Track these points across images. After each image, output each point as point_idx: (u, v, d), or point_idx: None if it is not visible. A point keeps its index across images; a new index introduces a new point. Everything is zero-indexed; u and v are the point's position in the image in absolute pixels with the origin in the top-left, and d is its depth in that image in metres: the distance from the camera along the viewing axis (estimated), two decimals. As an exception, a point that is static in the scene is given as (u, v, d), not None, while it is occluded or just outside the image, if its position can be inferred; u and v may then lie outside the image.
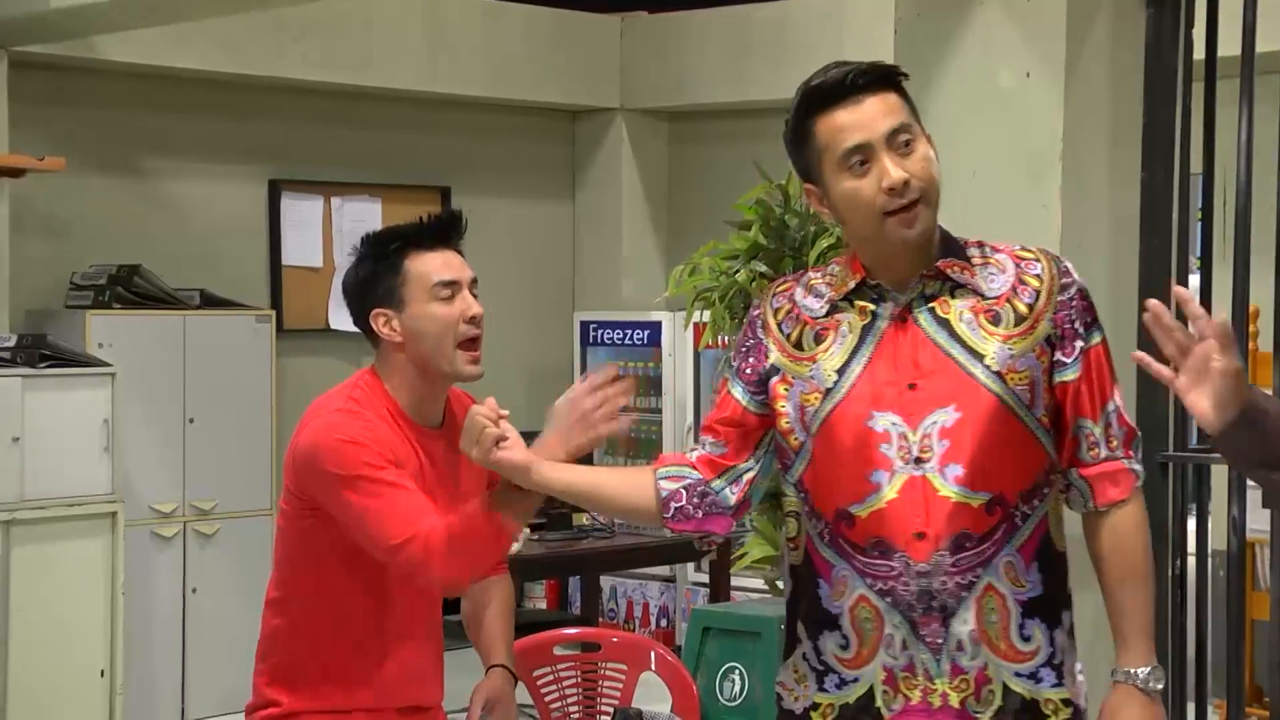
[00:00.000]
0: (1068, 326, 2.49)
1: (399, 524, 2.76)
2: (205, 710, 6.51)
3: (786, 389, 2.47)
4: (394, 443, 2.87)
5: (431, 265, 2.91)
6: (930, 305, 2.48)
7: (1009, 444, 2.44)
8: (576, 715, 3.66)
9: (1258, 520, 4.30)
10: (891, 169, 2.44)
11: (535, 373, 8.17)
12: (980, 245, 2.59)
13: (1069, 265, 2.57)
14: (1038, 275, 2.51)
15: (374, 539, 2.79)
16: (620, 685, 3.63)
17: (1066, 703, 2.51)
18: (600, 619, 7.07)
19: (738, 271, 5.77)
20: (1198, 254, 4.48)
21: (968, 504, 2.41)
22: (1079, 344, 2.50)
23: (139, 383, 6.34)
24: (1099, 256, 4.48)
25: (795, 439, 2.47)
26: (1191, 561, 4.28)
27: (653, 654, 3.62)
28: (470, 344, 2.91)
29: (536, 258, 8.34)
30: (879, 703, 2.44)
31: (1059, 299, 2.50)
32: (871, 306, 2.47)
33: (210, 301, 6.78)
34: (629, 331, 7.87)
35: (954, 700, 2.42)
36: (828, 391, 2.44)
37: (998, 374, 2.44)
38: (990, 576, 2.43)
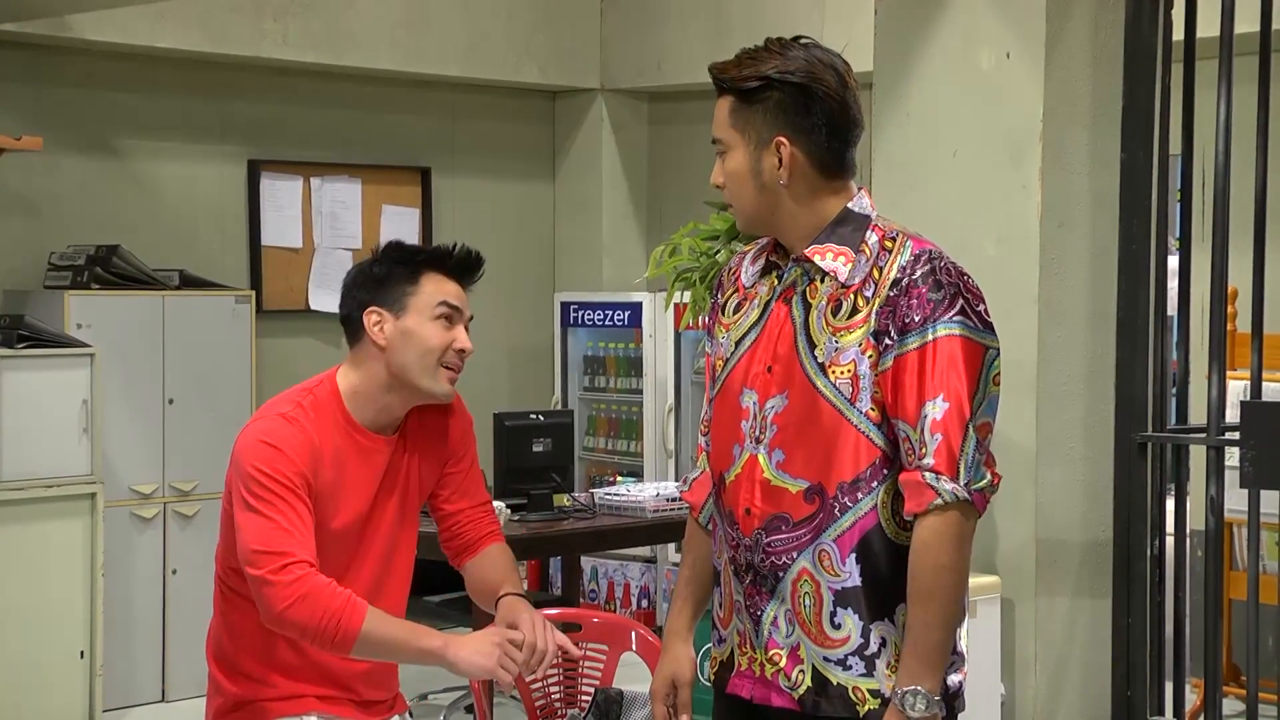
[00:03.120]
0: (888, 322, 2.44)
1: (272, 538, 2.80)
2: (185, 691, 6.50)
3: (711, 348, 2.66)
4: (327, 457, 2.91)
5: (445, 288, 3.00)
6: (805, 289, 2.53)
7: (830, 436, 2.45)
8: (557, 695, 3.66)
9: (1236, 500, 4.32)
10: None
11: (516, 353, 8.16)
12: (895, 235, 2.53)
13: (931, 256, 2.47)
14: (881, 267, 2.48)
15: (244, 541, 2.83)
16: (601, 666, 3.63)
17: (875, 693, 2.48)
18: (581, 600, 7.08)
19: (718, 252, 5.77)
20: (1177, 234, 4.49)
21: (786, 489, 2.48)
22: (897, 340, 2.44)
23: (118, 363, 6.32)
24: (1079, 237, 4.49)
25: (709, 395, 2.66)
26: (1170, 541, 4.30)
27: (634, 634, 3.63)
28: (451, 368, 3.00)
29: (516, 238, 8.33)
30: (738, 661, 2.59)
31: (890, 293, 2.45)
32: (775, 284, 2.58)
33: (189, 282, 6.76)
34: (609, 312, 7.87)
35: (768, 673, 2.52)
36: (726, 360, 2.60)
37: (822, 366, 2.47)
38: (805, 562, 2.47)
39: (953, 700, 2.52)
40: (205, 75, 7.23)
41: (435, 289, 2.98)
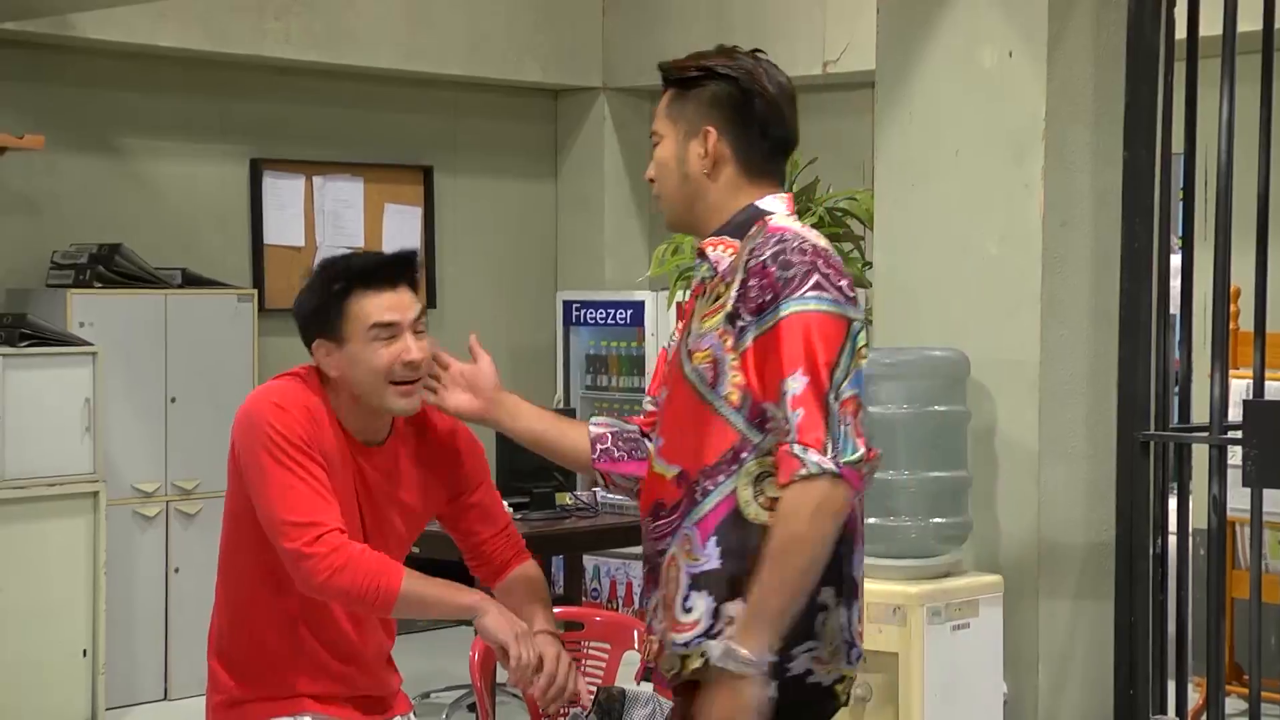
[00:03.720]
0: (740, 304, 2.44)
1: (301, 507, 2.75)
2: (188, 690, 6.50)
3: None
4: (324, 445, 2.85)
5: (373, 306, 2.86)
6: (706, 282, 2.57)
7: (693, 421, 2.49)
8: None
9: (1238, 499, 4.32)
10: None
11: (518, 353, 8.16)
12: (778, 230, 2.51)
13: (783, 238, 2.46)
14: (741, 261, 2.48)
15: (272, 510, 2.78)
16: (604, 664, 3.63)
17: (696, 659, 2.47)
18: (583, 598, 7.08)
19: (720, 251, 5.75)
20: (1179, 233, 4.49)
21: (662, 476, 2.53)
22: (753, 321, 2.44)
23: (120, 362, 6.32)
24: (1082, 235, 4.49)
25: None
26: (1172, 540, 4.30)
27: (636, 633, 3.62)
28: (405, 383, 2.88)
29: (518, 237, 8.33)
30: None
31: (739, 277, 2.46)
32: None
33: (191, 281, 6.76)
34: (612, 311, 7.86)
35: (650, 660, 2.56)
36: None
37: (689, 353, 2.52)
38: (674, 547, 2.51)
39: (798, 684, 2.45)
40: (207, 74, 7.23)
41: (363, 311, 2.86)
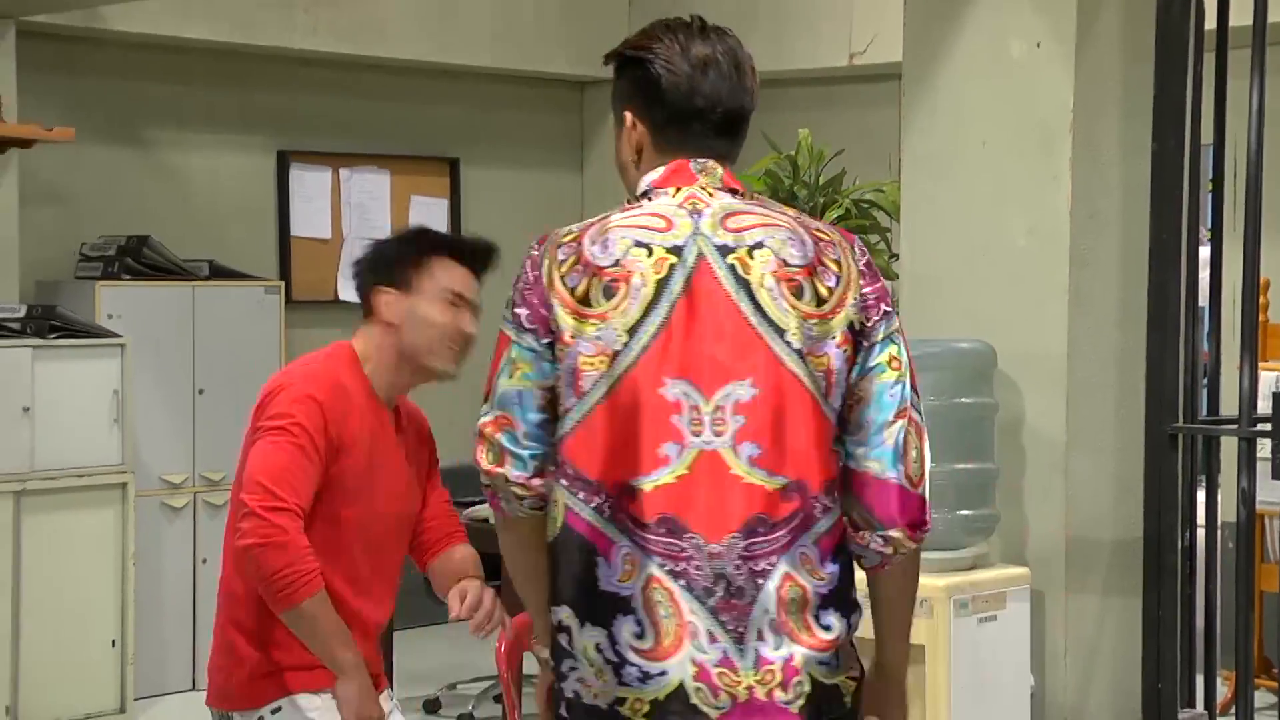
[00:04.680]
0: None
1: (277, 476, 2.92)
2: (215, 680, 6.52)
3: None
4: (351, 419, 3.04)
5: (454, 275, 3.12)
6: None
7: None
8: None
9: (1267, 492, 4.29)
10: None
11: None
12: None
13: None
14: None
15: (251, 468, 2.96)
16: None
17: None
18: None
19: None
20: (1208, 225, 4.46)
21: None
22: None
23: (148, 353, 6.34)
24: (1110, 227, 4.47)
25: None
26: (1201, 533, 4.27)
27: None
28: (456, 350, 3.14)
29: (544, 229, 8.28)
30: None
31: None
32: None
33: (219, 272, 6.77)
34: (637, 303, 7.85)
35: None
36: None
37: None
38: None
39: (573, 705, 2.31)
40: (234, 66, 7.24)
41: (445, 274, 3.10)
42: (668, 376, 2.26)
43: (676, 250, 2.31)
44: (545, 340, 2.29)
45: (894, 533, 2.32)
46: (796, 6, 7.51)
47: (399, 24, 7.46)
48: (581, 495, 2.27)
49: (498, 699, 6.08)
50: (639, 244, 2.32)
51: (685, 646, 2.24)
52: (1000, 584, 4.26)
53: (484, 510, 5.62)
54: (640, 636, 2.24)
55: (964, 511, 4.29)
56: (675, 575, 2.24)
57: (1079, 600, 4.39)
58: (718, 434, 2.26)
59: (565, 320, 2.29)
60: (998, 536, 4.42)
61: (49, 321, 5.97)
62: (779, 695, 2.26)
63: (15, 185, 6.29)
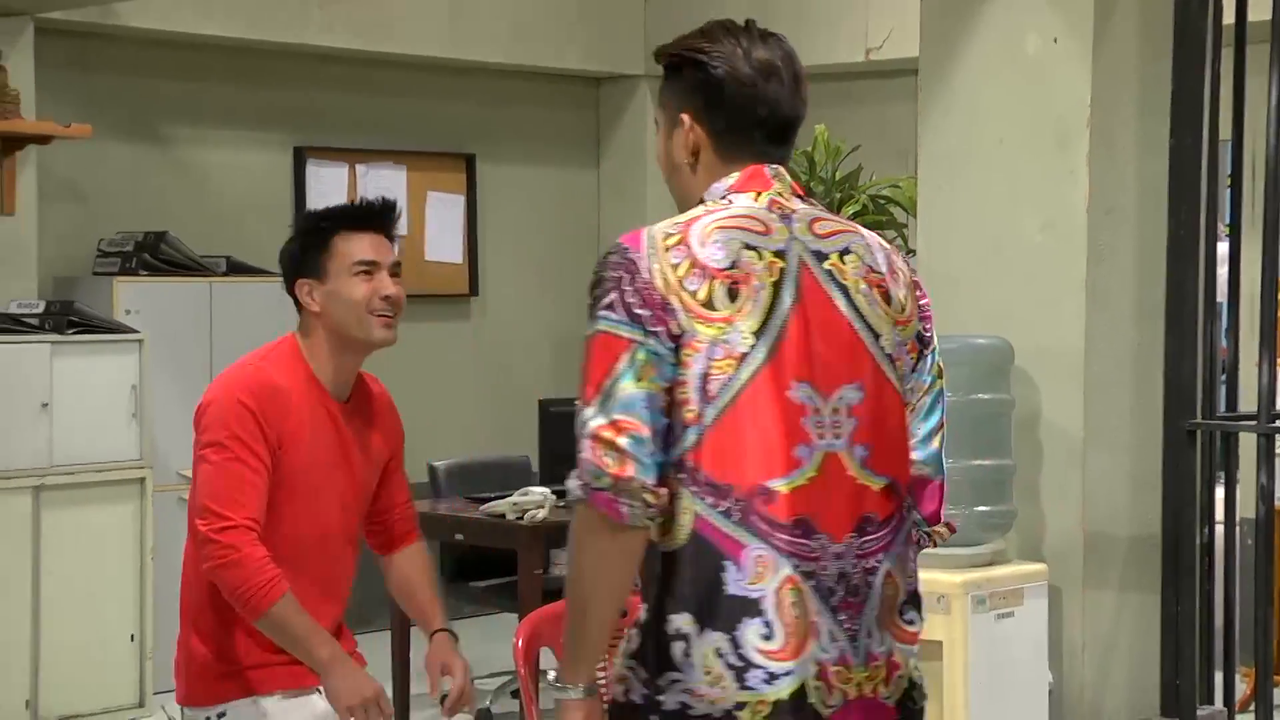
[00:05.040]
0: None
1: (222, 496, 3.02)
2: (233, 675, 6.54)
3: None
4: (289, 416, 3.07)
5: (355, 245, 3.15)
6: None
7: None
8: (603, 681, 3.66)
9: (1285, 488, 4.28)
10: None
11: (559, 340, 8.16)
12: (623, 240, 2.39)
13: (608, 250, 2.38)
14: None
15: (196, 492, 3.06)
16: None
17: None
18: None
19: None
20: (1227, 221, 4.45)
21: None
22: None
23: (166, 349, 6.35)
24: (1127, 223, 4.46)
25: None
26: (1219, 529, 4.27)
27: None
28: (383, 316, 3.14)
29: (560, 225, 8.32)
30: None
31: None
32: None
33: (236, 268, 6.78)
34: (653, 298, 7.85)
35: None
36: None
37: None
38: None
39: (679, 718, 2.30)
40: (251, 63, 7.25)
41: (347, 247, 3.14)
42: (793, 379, 2.30)
43: (780, 254, 2.34)
44: (670, 345, 2.28)
45: (940, 529, 2.46)
46: (813, 2, 7.50)
47: (414, 20, 7.47)
48: (710, 500, 2.27)
49: (515, 694, 6.09)
50: (748, 247, 2.33)
51: (810, 646, 2.28)
52: (1018, 580, 4.26)
53: (501, 506, 5.63)
54: (768, 637, 2.26)
55: (981, 507, 4.29)
56: (807, 575, 2.28)
57: (1097, 596, 4.39)
58: (837, 436, 2.31)
59: (690, 324, 2.28)
60: (1015, 532, 4.41)
61: (67, 317, 5.99)
62: (881, 691, 2.34)
63: (33, 182, 6.30)
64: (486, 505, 5.67)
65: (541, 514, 5.57)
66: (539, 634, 3.41)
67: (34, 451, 5.84)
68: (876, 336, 2.36)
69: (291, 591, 3.02)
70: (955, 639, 4.10)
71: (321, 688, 3.06)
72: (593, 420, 2.25)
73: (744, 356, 2.28)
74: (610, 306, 2.29)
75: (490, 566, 6.14)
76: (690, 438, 2.27)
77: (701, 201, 2.40)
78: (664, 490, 2.27)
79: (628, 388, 2.26)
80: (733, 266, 2.31)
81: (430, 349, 7.83)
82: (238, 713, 3.08)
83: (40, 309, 6.00)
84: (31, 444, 5.83)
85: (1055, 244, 4.44)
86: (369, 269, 3.13)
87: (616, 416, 2.25)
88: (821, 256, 2.36)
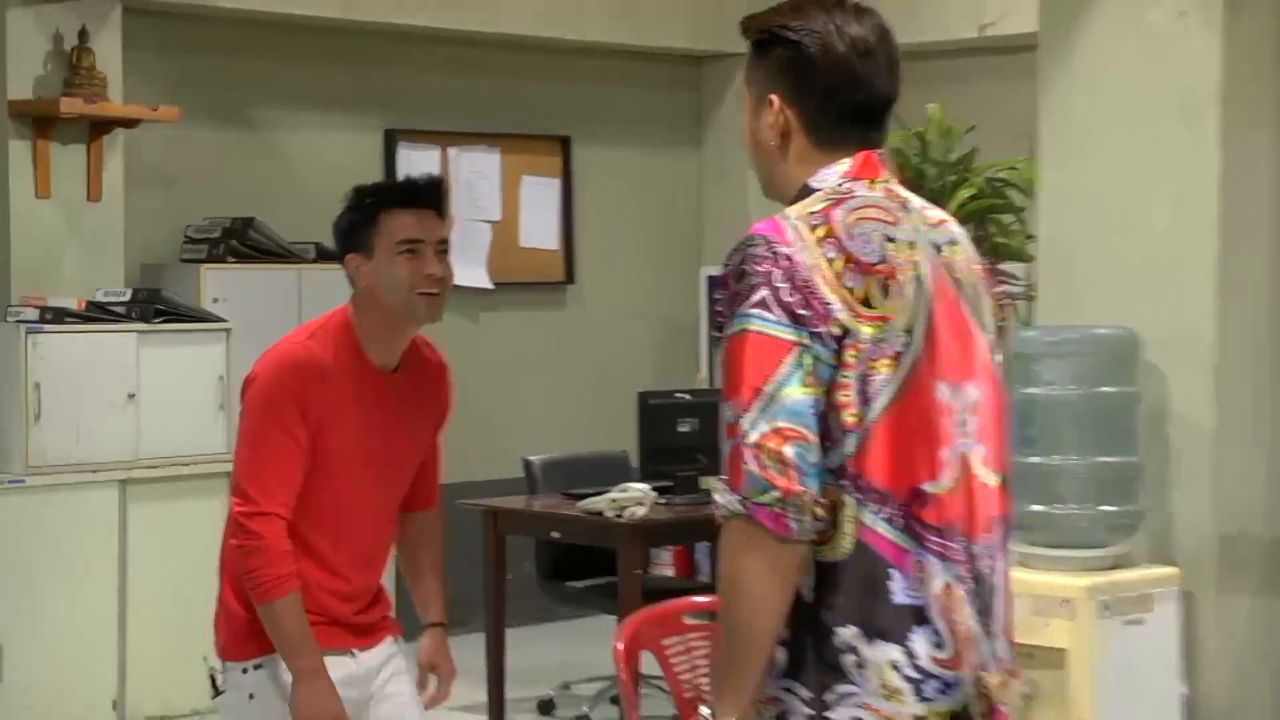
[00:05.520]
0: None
1: (260, 481, 3.16)
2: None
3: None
4: (329, 393, 3.18)
5: (400, 222, 3.25)
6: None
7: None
8: (707, 686, 3.63)
9: None
10: None
11: (660, 329, 8.13)
12: (756, 230, 2.33)
13: (748, 242, 2.30)
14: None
15: (239, 469, 3.21)
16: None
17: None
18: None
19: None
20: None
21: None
22: (717, 337, 2.42)
23: (254, 339, 6.35)
24: (1260, 203, 4.37)
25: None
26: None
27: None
28: (428, 294, 3.23)
29: (660, 210, 8.28)
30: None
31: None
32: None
33: (326, 255, 6.80)
34: (757, 286, 7.80)
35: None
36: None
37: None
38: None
39: None
40: (342, 43, 7.27)
41: (392, 226, 3.25)
42: (936, 378, 2.30)
43: (912, 245, 2.31)
44: (833, 346, 2.23)
45: None
46: (925, -25, 7.41)
47: (510, -2, 7.46)
48: (873, 507, 2.25)
49: (614, 700, 6.06)
50: (888, 239, 2.30)
51: (972, 654, 2.29)
52: (1147, 584, 4.18)
53: (599, 503, 5.60)
54: (939, 645, 2.26)
55: (1105, 507, 4.22)
56: (960, 580, 2.29)
57: (1232, 601, 4.29)
58: (965, 435, 2.32)
59: (853, 323, 2.24)
60: (1143, 534, 4.33)
61: (154, 305, 6.04)
62: (1001, 694, 2.33)
63: (120, 166, 6.36)
64: (584, 502, 5.64)
65: (641, 511, 5.54)
66: (640, 637, 3.39)
67: (120, 444, 5.89)
68: (984, 330, 2.37)
69: (320, 574, 3.19)
70: (1080, 646, 4.02)
71: (355, 651, 3.26)
72: (754, 429, 2.18)
73: (898, 356, 2.26)
74: (763, 305, 2.23)
75: (588, 566, 6.11)
76: (850, 443, 2.23)
77: (807, 191, 2.34)
78: (824, 501, 2.23)
79: (793, 393, 2.20)
80: (881, 261, 2.27)
81: (525, 339, 7.82)
82: (274, 665, 3.21)
83: (127, 297, 6.05)
84: (118, 436, 5.89)
85: (1184, 226, 4.37)
86: (413, 247, 3.22)
87: (781, 424, 2.19)
88: (938, 247, 2.34)
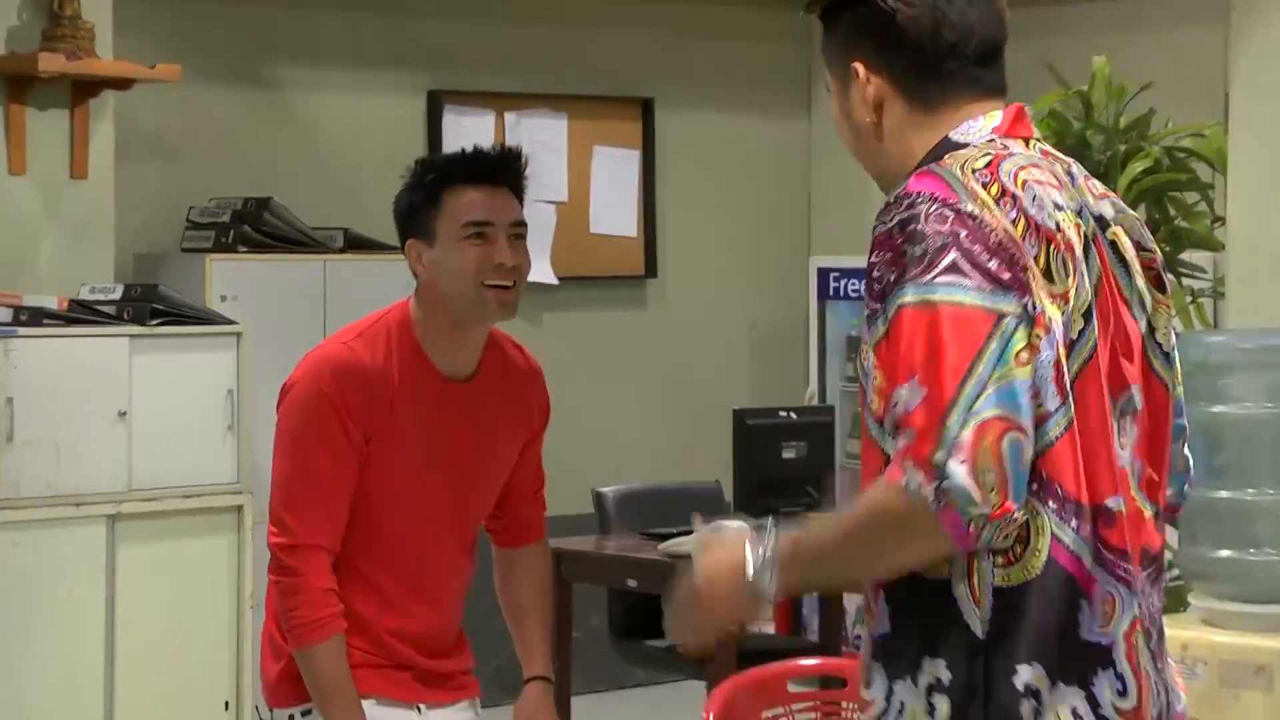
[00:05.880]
0: (867, 288, 2.39)
1: (299, 510, 3.22)
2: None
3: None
4: (377, 402, 3.22)
5: (466, 202, 3.27)
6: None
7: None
8: (816, 769, 3.62)
9: None
10: None
11: (761, 334, 8.13)
12: (916, 186, 2.36)
13: (912, 199, 2.34)
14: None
15: (276, 494, 3.27)
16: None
17: None
18: (844, 647, 7.02)
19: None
20: None
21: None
22: (870, 311, 2.38)
23: (270, 344, 6.42)
24: None
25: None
26: None
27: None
28: (500, 287, 3.26)
29: (761, 189, 8.29)
30: None
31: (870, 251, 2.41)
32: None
33: (356, 243, 6.85)
34: (880, 281, 7.79)
35: None
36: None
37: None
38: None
39: None
40: (376, -13, 7.34)
41: (458, 206, 3.26)
42: (1105, 375, 2.32)
43: (1079, 216, 2.33)
44: (1031, 322, 2.24)
45: None
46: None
47: (579, -69, 7.50)
48: (1064, 520, 2.27)
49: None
50: (1057, 205, 2.31)
51: (1150, 704, 2.32)
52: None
53: (686, 544, 5.58)
54: (1123, 694, 2.29)
55: (1292, 552, 4.21)
56: (1140, 616, 2.32)
57: None
58: (1124, 448, 2.34)
59: (1041, 297, 2.25)
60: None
61: (150, 304, 6.08)
62: None
63: (110, 136, 6.41)
64: (667, 544, 5.64)
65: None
66: (734, 707, 3.39)
67: (110, 472, 5.93)
68: (1152, 330, 2.39)
69: (380, 612, 3.26)
70: (1279, 723, 4.00)
71: (422, 707, 3.31)
72: (961, 425, 2.18)
73: (1073, 345, 2.28)
74: (955, 269, 2.22)
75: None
76: (1043, 440, 2.25)
77: (950, 145, 2.36)
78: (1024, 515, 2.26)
79: (1011, 372, 2.20)
80: (1057, 229, 2.28)
81: (597, 345, 7.84)
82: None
83: (117, 294, 6.10)
84: (107, 462, 5.93)
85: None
86: (482, 230, 3.24)
87: (990, 414, 2.19)
88: (1104, 224, 2.37)
